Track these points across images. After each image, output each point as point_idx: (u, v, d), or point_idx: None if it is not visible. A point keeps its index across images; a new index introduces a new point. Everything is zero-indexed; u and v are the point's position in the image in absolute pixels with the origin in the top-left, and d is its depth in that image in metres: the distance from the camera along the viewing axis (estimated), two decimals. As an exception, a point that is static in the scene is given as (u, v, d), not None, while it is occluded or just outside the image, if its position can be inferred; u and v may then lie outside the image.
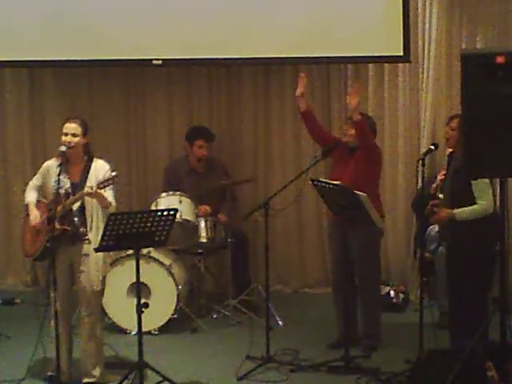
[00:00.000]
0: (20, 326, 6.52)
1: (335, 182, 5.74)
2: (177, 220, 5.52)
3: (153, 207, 6.67)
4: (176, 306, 6.53)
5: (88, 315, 5.40)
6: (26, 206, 5.50)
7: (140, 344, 5.18)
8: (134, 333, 6.19)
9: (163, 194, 6.86)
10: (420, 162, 5.56)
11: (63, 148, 5.31)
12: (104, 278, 5.42)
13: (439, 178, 5.88)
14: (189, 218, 6.68)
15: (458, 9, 7.21)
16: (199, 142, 7.21)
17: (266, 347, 5.85)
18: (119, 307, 6.46)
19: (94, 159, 5.43)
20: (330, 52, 7.01)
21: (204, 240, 6.83)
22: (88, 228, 5.32)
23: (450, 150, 5.87)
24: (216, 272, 7.56)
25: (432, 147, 5.82)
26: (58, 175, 5.24)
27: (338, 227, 5.92)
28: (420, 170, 5.57)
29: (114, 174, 5.22)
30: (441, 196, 5.79)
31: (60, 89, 7.83)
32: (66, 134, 5.34)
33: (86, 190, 5.19)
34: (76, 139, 5.34)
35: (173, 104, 7.82)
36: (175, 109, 7.82)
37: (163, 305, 6.50)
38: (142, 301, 5.22)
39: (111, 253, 5.58)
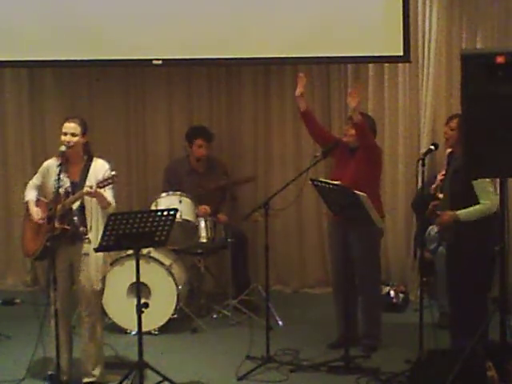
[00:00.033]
0: (20, 325, 6.53)
1: (335, 182, 5.74)
2: (177, 220, 5.52)
3: (153, 207, 6.67)
4: (176, 306, 6.53)
5: (88, 315, 5.40)
6: (26, 204, 5.51)
7: (140, 344, 5.18)
8: (134, 333, 6.19)
9: (163, 194, 6.86)
10: (420, 162, 5.56)
11: (63, 148, 5.32)
12: (104, 277, 5.42)
13: (439, 178, 5.88)
14: (189, 218, 6.68)
15: (458, 9, 7.21)
16: (198, 142, 7.21)
17: (266, 347, 5.85)
18: (119, 307, 6.46)
19: (94, 159, 5.43)
20: (330, 52, 7.01)
21: (204, 240, 6.83)
22: (88, 227, 5.33)
23: (450, 149, 5.87)
24: (216, 272, 7.56)
25: (432, 147, 5.82)
26: (58, 175, 5.24)
27: (338, 227, 5.92)
28: (420, 170, 5.57)
29: (113, 173, 5.23)
30: (441, 196, 5.79)
31: (60, 89, 7.83)
32: (65, 134, 5.35)
33: (86, 189, 5.19)
34: (75, 139, 5.34)
35: (173, 104, 7.82)
36: (175, 109, 7.83)
37: (163, 305, 6.50)
38: (142, 301, 5.22)
39: (111, 253, 5.58)
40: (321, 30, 6.94)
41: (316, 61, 7.15)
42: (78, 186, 5.32)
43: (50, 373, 5.49)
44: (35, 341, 5.42)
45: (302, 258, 7.81)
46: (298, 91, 6.12)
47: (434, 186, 5.95)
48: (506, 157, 4.44)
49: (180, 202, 6.67)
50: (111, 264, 5.88)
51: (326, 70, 7.52)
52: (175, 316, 6.56)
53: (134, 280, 5.21)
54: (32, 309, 6.15)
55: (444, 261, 5.95)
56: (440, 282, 6.43)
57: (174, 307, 6.52)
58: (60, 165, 5.28)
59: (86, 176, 5.35)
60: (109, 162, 5.45)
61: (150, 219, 5.07)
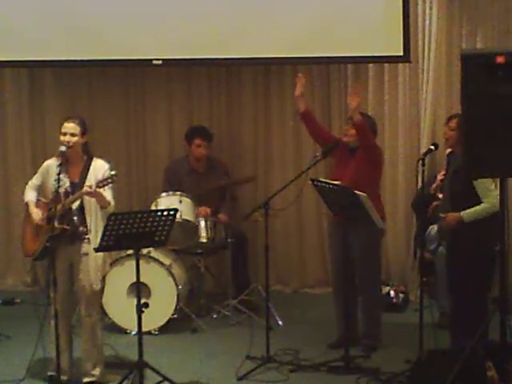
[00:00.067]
0: (20, 325, 6.53)
1: (335, 182, 5.74)
2: (177, 220, 5.51)
3: (153, 207, 6.67)
4: (176, 306, 6.53)
5: (88, 315, 5.40)
6: (26, 205, 5.51)
7: (140, 344, 5.18)
8: (134, 333, 6.19)
9: (163, 194, 6.86)
10: (420, 162, 5.56)
11: (63, 148, 5.31)
12: (104, 277, 5.42)
13: (439, 178, 5.88)
14: (189, 218, 6.68)
15: (458, 9, 7.21)
16: (197, 141, 7.21)
17: (266, 347, 5.84)
18: (119, 307, 6.46)
19: (94, 159, 5.43)
20: (330, 52, 7.01)
21: (204, 240, 6.83)
22: (87, 227, 5.33)
23: (450, 149, 5.87)
24: (216, 272, 7.56)
25: (432, 147, 5.82)
26: (58, 175, 5.24)
27: (339, 227, 5.92)
28: (420, 170, 5.57)
29: (112, 172, 5.22)
30: (441, 196, 5.79)
31: (60, 89, 7.83)
32: (65, 134, 5.35)
33: (85, 189, 5.20)
34: (74, 139, 5.34)
35: (173, 104, 7.82)
36: (175, 109, 7.83)
37: (163, 305, 6.50)
38: (142, 301, 5.22)
39: (111, 252, 5.58)
40: (321, 30, 6.94)
41: (316, 61, 7.15)
42: (77, 186, 5.32)
43: (49, 374, 5.49)
44: (35, 341, 5.42)
45: (301, 258, 7.81)
46: (298, 91, 6.12)
47: (434, 185, 5.95)
48: (506, 157, 4.44)
49: (180, 201, 6.66)
50: (111, 264, 5.88)
51: (326, 70, 7.52)
52: (175, 316, 6.56)
53: (134, 280, 5.20)
54: (32, 309, 6.15)
55: (444, 261, 5.95)
56: (440, 282, 6.44)
57: (173, 307, 6.52)
58: (60, 165, 5.28)
59: (86, 176, 5.35)
60: (109, 161, 5.45)
61: (150, 219, 5.07)
